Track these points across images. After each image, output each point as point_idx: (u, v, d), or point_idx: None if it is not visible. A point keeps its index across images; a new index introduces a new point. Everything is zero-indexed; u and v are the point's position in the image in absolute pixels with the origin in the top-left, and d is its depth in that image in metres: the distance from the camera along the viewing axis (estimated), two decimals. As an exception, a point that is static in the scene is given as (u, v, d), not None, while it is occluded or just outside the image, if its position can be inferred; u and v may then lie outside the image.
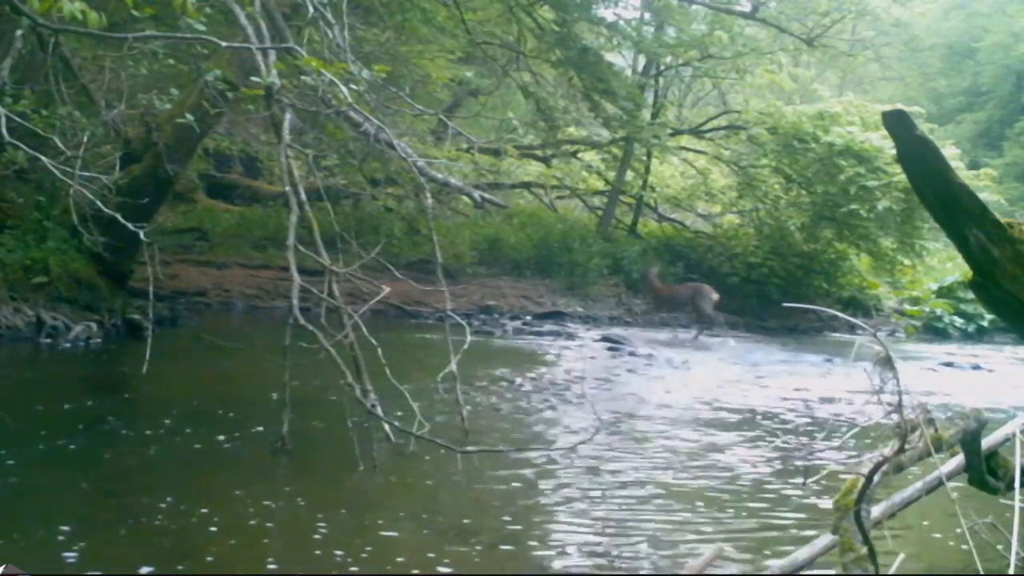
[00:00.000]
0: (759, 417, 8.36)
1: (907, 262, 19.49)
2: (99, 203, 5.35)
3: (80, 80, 9.95)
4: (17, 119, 5.51)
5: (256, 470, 5.49)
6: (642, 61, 20.94)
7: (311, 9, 6.71)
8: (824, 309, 4.22)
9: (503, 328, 14.79)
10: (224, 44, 5.83)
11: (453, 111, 20.99)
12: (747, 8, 18.75)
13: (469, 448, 5.62)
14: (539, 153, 21.66)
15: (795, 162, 18.51)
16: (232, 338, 10.86)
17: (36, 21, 5.18)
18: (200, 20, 6.12)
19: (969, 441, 3.78)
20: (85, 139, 6.59)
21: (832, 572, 3.46)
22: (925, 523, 4.99)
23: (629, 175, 20.20)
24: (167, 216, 16.60)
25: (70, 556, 3.85)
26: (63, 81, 8.18)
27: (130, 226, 4.98)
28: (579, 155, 21.31)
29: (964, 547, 4.57)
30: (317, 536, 4.34)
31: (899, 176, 15.73)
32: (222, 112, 9.10)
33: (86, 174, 5.56)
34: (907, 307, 20.45)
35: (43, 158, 5.12)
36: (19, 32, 6.61)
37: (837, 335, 18.13)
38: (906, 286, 20.97)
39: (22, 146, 5.65)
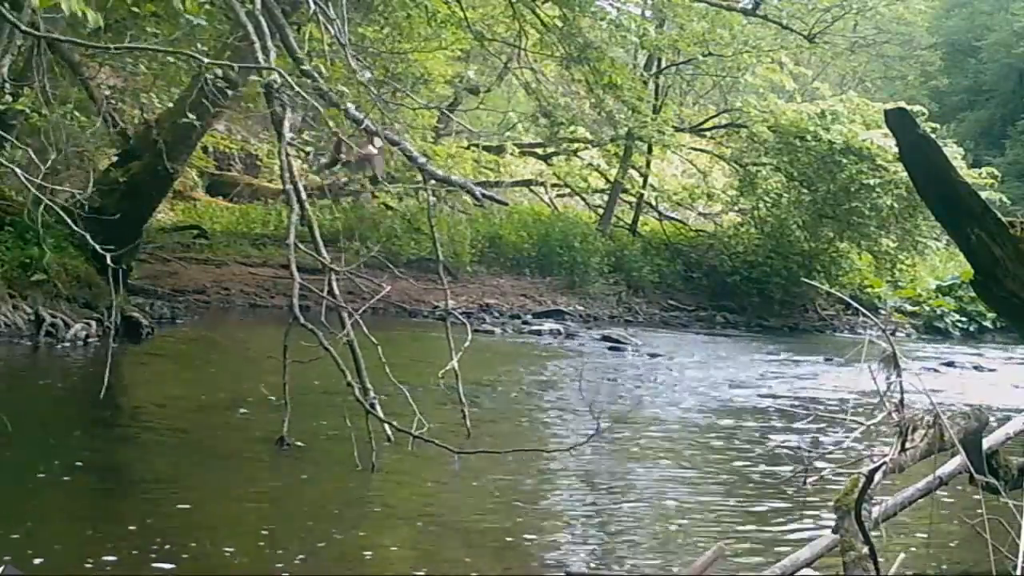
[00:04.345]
0: (759, 416, 8.34)
1: (908, 261, 19.46)
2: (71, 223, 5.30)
3: (80, 77, 9.93)
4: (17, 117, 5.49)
5: (256, 469, 5.48)
6: (643, 59, 20.90)
7: (311, 6, 6.69)
8: (842, 296, 4.21)
9: (503, 327, 14.77)
10: (206, 61, 5.78)
11: (454, 108, 20.98)
12: (748, 5, 18.70)
13: (467, 449, 5.60)
14: (539, 151, 21.61)
15: (796, 160, 18.48)
16: (232, 337, 10.85)
17: (20, 28, 5.15)
18: (200, 16, 6.11)
19: (970, 440, 3.77)
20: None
21: (832, 572, 3.44)
22: (925, 523, 4.97)
23: (630, 173, 20.16)
24: (167, 214, 16.58)
25: (69, 556, 3.83)
26: (63, 79, 8.17)
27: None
28: (580, 153, 21.28)
29: (964, 547, 4.56)
30: (316, 536, 4.33)
31: (900, 173, 15.71)
32: (222, 109, 9.08)
33: (62, 189, 5.54)
34: (908, 306, 20.42)
35: (19, 171, 5.07)
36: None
37: (838, 334, 18.10)
38: (907, 285, 20.92)
39: (8, 137, 5.60)
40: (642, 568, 4.21)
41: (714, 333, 16.61)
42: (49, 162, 5.60)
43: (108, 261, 4.79)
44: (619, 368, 11.03)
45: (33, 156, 5.32)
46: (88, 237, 4.96)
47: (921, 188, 4.35)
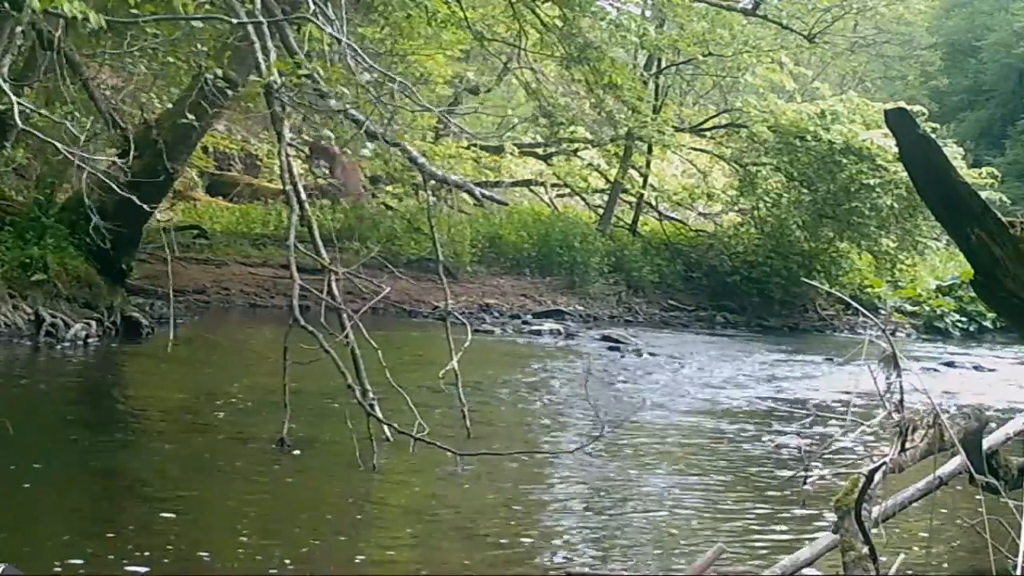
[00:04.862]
0: (759, 417, 8.34)
1: (908, 261, 19.46)
2: (114, 185, 5.32)
3: (81, 77, 9.92)
4: (29, 106, 5.50)
5: (255, 470, 5.48)
6: (643, 59, 20.91)
7: (311, 6, 6.68)
8: (842, 296, 4.22)
9: (503, 327, 14.77)
10: (235, 21, 5.78)
11: (454, 108, 20.97)
12: (748, 5, 18.70)
13: (468, 451, 5.60)
14: (539, 151, 21.60)
15: (796, 160, 18.48)
16: (231, 337, 10.85)
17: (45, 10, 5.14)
18: (200, 17, 6.11)
19: (970, 440, 3.77)
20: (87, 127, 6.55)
21: (832, 572, 3.45)
22: (925, 523, 4.97)
23: (630, 173, 20.17)
24: (166, 214, 16.56)
25: (69, 556, 3.83)
26: (63, 78, 8.15)
27: (146, 207, 4.92)
28: (580, 153, 21.28)
29: (964, 547, 4.56)
30: (317, 536, 4.33)
31: (900, 173, 15.71)
32: (221, 109, 9.08)
33: (100, 158, 5.55)
34: (908, 306, 20.41)
35: (57, 144, 5.07)
36: (19, 29, 6.59)
37: (838, 334, 18.10)
38: (907, 285, 20.93)
39: (36, 132, 5.64)
40: (642, 568, 4.21)
41: (714, 333, 16.60)
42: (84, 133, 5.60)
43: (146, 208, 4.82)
44: (619, 368, 11.03)
45: (78, 128, 5.33)
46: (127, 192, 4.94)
47: (921, 188, 4.35)
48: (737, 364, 12.12)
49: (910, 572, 4.10)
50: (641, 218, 20.93)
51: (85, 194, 5.78)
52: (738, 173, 19.82)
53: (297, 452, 5.65)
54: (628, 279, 18.63)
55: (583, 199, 22.04)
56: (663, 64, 20.15)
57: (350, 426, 5.46)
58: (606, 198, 20.68)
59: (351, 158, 16.01)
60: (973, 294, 8.22)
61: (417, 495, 5.28)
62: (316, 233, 6.14)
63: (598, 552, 4.43)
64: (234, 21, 5.78)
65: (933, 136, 4.12)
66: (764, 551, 4.40)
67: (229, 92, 8.46)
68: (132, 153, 8.98)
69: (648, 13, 20.29)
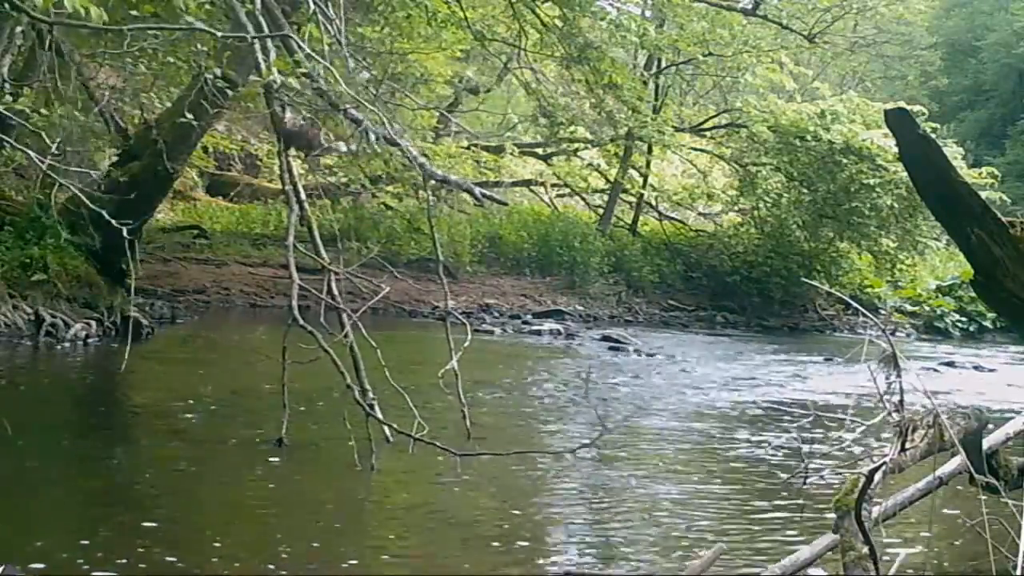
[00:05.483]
0: (759, 417, 8.34)
1: (908, 261, 19.46)
2: (83, 196, 5.29)
3: (79, 77, 9.93)
4: (15, 119, 5.49)
5: (254, 470, 5.48)
6: (643, 59, 20.91)
7: (311, 5, 6.69)
8: (842, 296, 4.21)
9: (503, 327, 14.77)
10: (219, 34, 5.78)
11: (454, 108, 20.97)
12: (748, 5, 18.69)
13: (468, 451, 5.59)
14: (539, 151, 21.60)
15: (796, 160, 18.49)
16: (231, 337, 10.85)
17: (30, 14, 5.14)
18: (200, 17, 6.11)
19: (970, 440, 3.76)
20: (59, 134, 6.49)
21: (832, 572, 3.44)
22: (925, 523, 4.97)
23: (630, 173, 20.17)
24: (167, 214, 16.58)
25: (69, 556, 3.83)
26: (62, 78, 8.16)
27: (122, 225, 4.87)
28: (580, 153, 21.28)
29: (964, 547, 4.56)
30: (315, 536, 4.33)
31: (900, 173, 15.72)
32: (221, 109, 9.08)
33: (76, 169, 5.51)
34: (908, 306, 20.40)
35: (31, 152, 5.02)
36: (19, 29, 6.60)
37: (838, 334, 18.10)
38: (907, 285, 20.92)
39: (7, 139, 5.62)
40: (642, 568, 4.21)
41: (714, 333, 16.60)
42: (57, 145, 5.55)
43: (124, 233, 4.73)
44: (619, 368, 11.02)
45: (35, 155, 5.29)
46: (104, 214, 4.90)
47: (921, 188, 4.36)
48: (737, 364, 12.12)
49: (910, 572, 4.10)
50: (641, 218, 20.92)
51: (53, 202, 5.75)
52: (738, 173, 19.82)
53: (295, 451, 5.65)
54: (628, 279, 18.63)
55: (583, 199, 22.03)
56: (663, 64, 20.14)
57: (348, 426, 5.46)
58: (606, 198, 20.68)
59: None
60: (973, 294, 8.22)
61: (417, 494, 5.27)
62: (316, 233, 6.14)
63: (598, 552, 4.43)
64: (218, 34, 5.75)
65: (933, 136, 4.12)
66: (764, 551, 4.39)
67: (229, 92, 8.45)
68: (118, 159, 8.96)
69: (648, 13, 20.29)
